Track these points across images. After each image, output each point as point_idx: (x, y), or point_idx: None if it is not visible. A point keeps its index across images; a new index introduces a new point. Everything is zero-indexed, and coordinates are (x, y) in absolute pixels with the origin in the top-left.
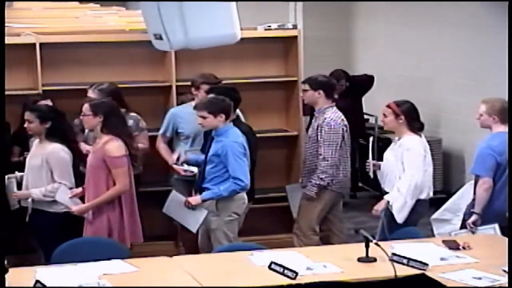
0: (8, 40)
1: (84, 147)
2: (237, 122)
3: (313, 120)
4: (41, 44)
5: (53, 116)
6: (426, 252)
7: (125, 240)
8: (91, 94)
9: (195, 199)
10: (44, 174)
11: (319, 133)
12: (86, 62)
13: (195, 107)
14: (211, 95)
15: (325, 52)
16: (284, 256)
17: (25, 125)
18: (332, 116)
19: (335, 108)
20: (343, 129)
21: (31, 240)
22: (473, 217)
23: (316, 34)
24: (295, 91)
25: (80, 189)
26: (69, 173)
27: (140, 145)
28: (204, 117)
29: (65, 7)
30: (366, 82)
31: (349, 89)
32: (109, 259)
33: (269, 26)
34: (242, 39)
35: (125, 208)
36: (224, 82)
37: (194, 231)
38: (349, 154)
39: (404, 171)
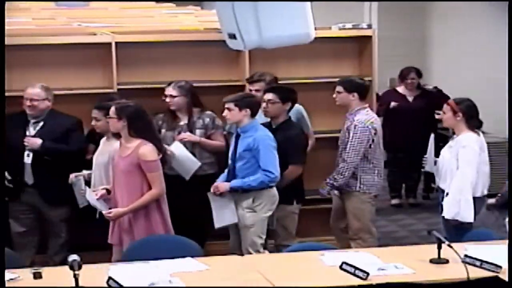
0: (84, 39)
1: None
2: (288, 123)
3: (345, 122)
4: (116, 43)
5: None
6: (499, 254)
7: None
8: (171, 91)
9: (224, 185)
10: (110, 172)
11: (347, 135)
12: (160, 61)
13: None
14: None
15: (399, 52)
16: (355, 256)
17: (93, 123)
18: (361, 119)
19: (367, 109)
20: (371, 132)
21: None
22: None
23: (391, 34)
24: (368, 92)
25: (104, 190)
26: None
27: (217, 143)
28: (229, 109)
29: (141, 7)
30: (436, 98)
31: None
32: (180, 257)
33: (344, 25)
34: (316, 38)
35: (164, 212)
36: (297, 81)
37: (217, 226)
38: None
39: (458, 168)
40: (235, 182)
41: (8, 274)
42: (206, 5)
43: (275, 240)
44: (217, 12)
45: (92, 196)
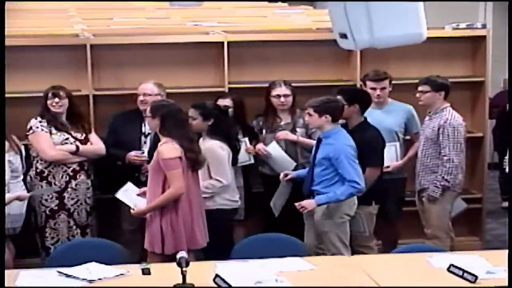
0: (197, 38)
1: (261, 147)
2: (363, 125)
3: (427, 121)
4: (229, 43)
5: (216, 114)
6: None
7: (182, 246)
8: (285, 91)
9: (309, 203)
10: (202, 170)
11: (440, 134)
12: (272, 60)
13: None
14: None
15: None
16: (463, 259)
17: (190, 121)
18: (453, 116)
19: (450, 107)
20: (463, 129)
21: None
22: None
23: (505, 34)
24: (481, 92)
25: (144, 188)
26: (225, 171)
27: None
28: (310, 114)
29: (253, 7)
30: None
31: None
32: (284, 256)
33: (458, 25)
34: (428, 38)
35: (181, 213)
36: (409, 81)
37: None
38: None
39: None
40: (321, 199)
41: (118, 270)
42: (319, 5)
43: (353, 241)
44: (329, 12)
45: (125, 193)
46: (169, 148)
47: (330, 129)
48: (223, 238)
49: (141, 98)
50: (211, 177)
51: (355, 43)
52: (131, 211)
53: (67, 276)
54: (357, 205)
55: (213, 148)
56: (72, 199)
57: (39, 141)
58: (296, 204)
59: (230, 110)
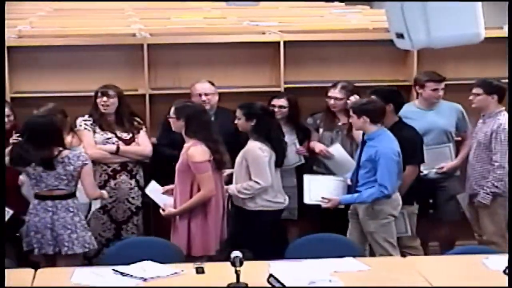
0: (253, 38)
1: (317, 146)
2: (399, 124)
3: (480, 124)
4: (285, 42)
5: (260, 114)
6: None
7: (210, 249)
8: (336, 94)
9: (334, 200)
10: (243, 171)
11: (493, 139)
12: (328, 60)
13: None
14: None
15: None
16: None
17: (236, 121)
18: (505, 121)
19: (504, 111)
20: None
21: None
22: None
23: None
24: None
25: (171, 186)
26: (265, 172)
27: None
28: (351, 116)
29: (310, 6)
30: None
31: None
32: (340, 256)
33: None
34: (486, 38)
35: (209, 215)
36: (465, 82)
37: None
38: None
39: None
40: (347, 198)
41: (173, 268)
42: (376, 4)
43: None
44: (386, 11)
45: (154, 191)
46: (199, 151)
47: (373, 131)
48: (266, 240)
49: (203, 98)
50: (250, 178)
51: (411, 43)
52: (161, 212)
53: (122, 274)
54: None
55: (253, 149)
56: (111, 197)
57: (81, 139)
58: (323, 199)
59: (284, 110)
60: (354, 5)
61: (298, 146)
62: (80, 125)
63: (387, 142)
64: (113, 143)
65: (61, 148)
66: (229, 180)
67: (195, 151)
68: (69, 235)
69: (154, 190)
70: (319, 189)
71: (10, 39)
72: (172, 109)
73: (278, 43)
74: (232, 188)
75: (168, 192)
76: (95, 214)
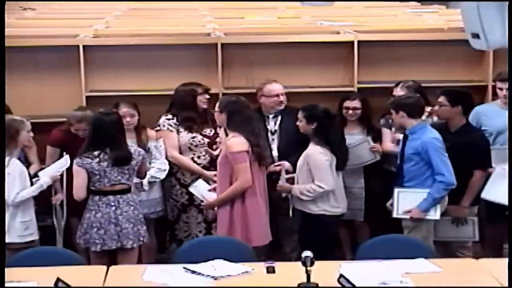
0: (327, 38)
1: (386, 146)
2: (466, 127)
3: None
4: (359, 42)
5: (320, 117)
6: None
7: (250, 241)
8: (399, 91)
9: (416, 212)
10: (305, 174)
11: None
12: (402, 60)
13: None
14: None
15: None
16: None
17: (297, 123)
18: None
19: None
20: None
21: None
22: None
23: None
24: None
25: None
26: (327, 176)
27: None
28: (391, 113)
29: (385, 6)
30: None
31: None
32: (411, 257)
33: None
34: None
35: (249, 206)
36: None
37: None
38: None
39: None
40: (423, 204)
41: (243, 267)
42: (452, 4)
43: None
44: (461, 11)
45: (199, 188)
46: (236, 142)
47: (415, 125)
48: (325, 244)
49: (281, 98)
50: (313, 182)
51: (487, 43)
52: (202, 203)
53: (193, 272)
54: (469, 210)
55: (314, 153)
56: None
57: (164, 140)
58: (408, 216)
59: (358, 112)
60: (430, 4)
61: (372, 143)
62: (164, 125)
63: (430, 133)
64: (199, 141)
65: (125, 144)
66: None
67: (233, 142)
68: (132, 229)
69: (199, 187)
70: (406, 203)
71: (86, 38)
72: (217, 104)
73: (352, 42)
74: (295, 189)
75: (215, 190)
76: (191, 213)
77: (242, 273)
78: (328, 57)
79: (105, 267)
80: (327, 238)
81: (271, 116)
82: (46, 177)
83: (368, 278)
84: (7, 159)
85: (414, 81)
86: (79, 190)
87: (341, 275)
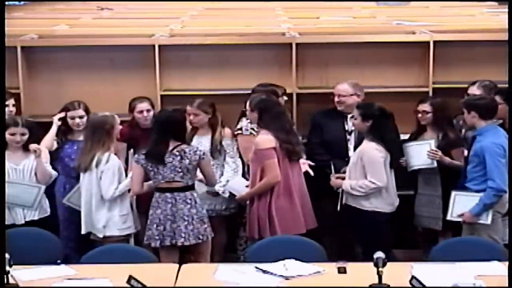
0: (402, 38)
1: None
2: None
3: None
4: (435, 42)
5: (376, 115)
6: None
7: (275, 231)
8: (475, 90)
9: (468, 216)
10: (358, 170)
11: None
12: (478, 60)
13: None
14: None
15: None
16: None
17: (352, 120)
18: None
19: None
20: None
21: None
22: None
23: None
24: None
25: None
26: (381, 173)
27: None
28: (463, 112)
29: (461, 6)
30: None
31: None
32: (485, 260)
33: None
34: None
35: (278, 200)
36: None
37: None
38: None
39: None
40: (475, 208)
41: (315, 267)
42: None
43: None
44: None
45: (236, 184)
46: (264, 139)
47: (484, 127)
48: (376, 241)
49: (336, 99)
50: (366, 178)
51: None
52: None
53: (264, 272)
54: None
55: (369, 149)
56: None
57: (242, 144)
58: (460, 219)
59: (428, 116)
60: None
61: (432, 147)
62: (247, 129)
63: (494, 137)
64: None
65: (179, 142)
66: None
67: (261, 139)
68: (185, 227)
69: (237, 183)
70: (461, 206)
71: (161, 38)
72: (248, 102)
73: (428, 43)
74: (346, 184)
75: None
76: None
77: (314, 273)
78: (403, 57)
79: (177, 265)
80: (376, 235)
81: (349, 116)
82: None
83: (440, 280)
84: (106, 155)
85: (490, 81)
86: (134, 185)
87: (413, 277)
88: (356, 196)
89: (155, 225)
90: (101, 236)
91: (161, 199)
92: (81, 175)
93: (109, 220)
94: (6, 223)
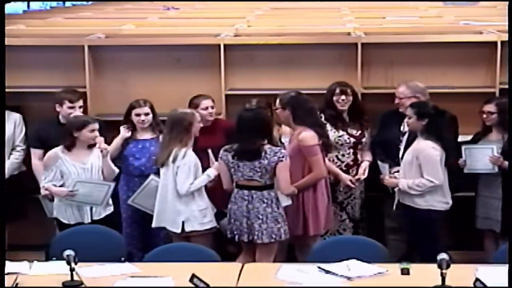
0: (470, 37)
1: None
2: None
3: None
4: (502, 42)
5: (431, 114)
6: None
7: (320, 229)
8: None
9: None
10: (413, 169)
11: None
12: None
13: None
14: None
15: None
16: None
17: (406, 120)
18: None
19: None
20: None
21: None
22: None
23: None
24: None
25: None
26: (437, 171)
27: None
28: None
29: None
30: None
31: None
32: None
33: None
34: None
35: (320, 195)
36: None
37: None
38: None
39: None
40: None
41: (378, 268)
42: None
43: None
44: None
45: None
46: (310, 136)
47: None
48: (430, 238)
49: (396, 101)
50: (422, 176)
51: None
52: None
53: (326, 272)
54: None
55: (425, 148)
56: (345, 193)
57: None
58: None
59: (493, 117)
60: None
61: (495, 153)
62: None
63: None
64: (345, 140)
65: (264, 142)
66: None
67: (306, 136)
68: (259, 225)
69: None
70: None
71: (227, 37)
72: (277, 101)
73: (495, 43)
74: (403, 183)
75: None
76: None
77: (376, 274)
78: (470, 57)
79: (239, 264)
80: (431, 233)
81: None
82: (213, 168)
83: (505, 283)
84: (183, 150)
85: None
86: (224, 182)
87: (477, 279)
88: (411, 194)
89: (232, 220)
90: (178, 231)
91: (238, 195)
92: (160, 170)
93: (189, 215)
94: (73, 222)
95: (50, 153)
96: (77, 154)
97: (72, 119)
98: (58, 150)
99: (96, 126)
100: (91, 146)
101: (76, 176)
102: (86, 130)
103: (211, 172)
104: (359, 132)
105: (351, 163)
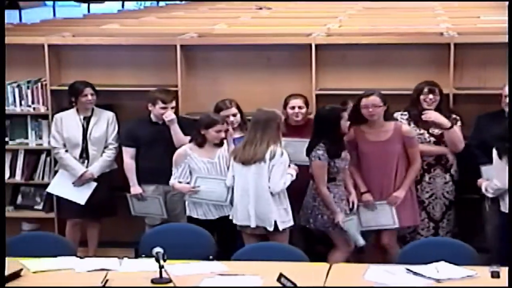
0: None
1: None
2: None
3: None
4: None
5: None
6: None
7: (416, 219)
8: None
9: None
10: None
11: None
12: None
13: None
14: None
15: None
16: None
17: None
18: None
19: None
20: None
21: None
22: None
23: None
24: None
25: None
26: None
27: None
28: None
29: None
30: None
31: None
32: None
33: None
34: None
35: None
36: None
37: None
38: None
39: None
40: None
41: (467, 271)
42: None
43: None
44: None
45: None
46: (410, 128)
47: None
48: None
49: (503, 100)
50: None
51: None
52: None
53: (415, 273)
54: None
55: None
56: (427, 192)
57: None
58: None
59: None
60: None
61: None
62: (396, 119)
63: None
64: (425, 139)
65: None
66: None
67: (408, 128)
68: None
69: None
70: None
71: (318, 37)
72: (374, 97)
73: None
74: (482, 185)
75: None
76: None
77: (465, 276)
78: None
79: (327, 265)
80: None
81: None
82: (292, 169)
83: None
84: (279, 149)
85: None
86: (320, 183)
87: None
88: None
89: (305, 209)
90: (271, 229)
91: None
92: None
93: (279, 214)
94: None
95: (179, 150)
96: (206, 149)
97: (203, 116)
98: (187, 147)
99: (224, 127)
100: (218, 145)
101: (206, 172)
102: (212, 129)
103: (293, 172)
104: (440, 132)
105: (433, 162)
